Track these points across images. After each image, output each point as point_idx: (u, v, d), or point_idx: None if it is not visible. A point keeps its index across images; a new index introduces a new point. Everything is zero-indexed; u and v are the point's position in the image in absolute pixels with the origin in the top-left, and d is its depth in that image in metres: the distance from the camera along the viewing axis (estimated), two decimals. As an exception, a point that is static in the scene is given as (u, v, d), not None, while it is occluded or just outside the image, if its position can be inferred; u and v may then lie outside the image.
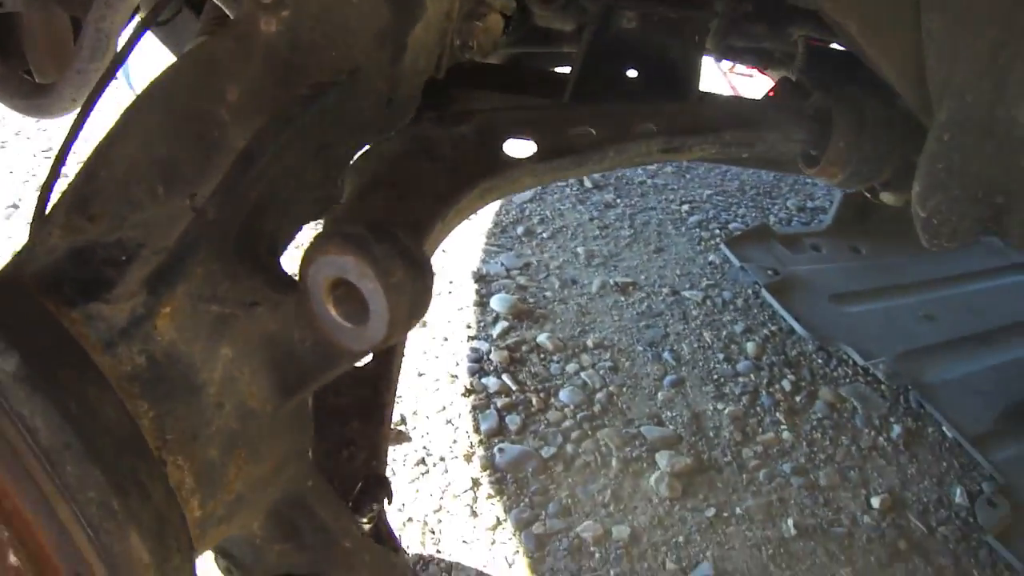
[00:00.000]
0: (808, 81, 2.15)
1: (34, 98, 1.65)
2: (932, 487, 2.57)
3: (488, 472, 2.40)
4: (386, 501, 1.06)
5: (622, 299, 3.27)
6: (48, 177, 1.13)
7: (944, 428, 2.75)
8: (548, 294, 3.24)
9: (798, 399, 2.84)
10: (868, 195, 1.91)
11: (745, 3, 1.95)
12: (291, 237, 0.89)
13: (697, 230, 3.85)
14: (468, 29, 0.99)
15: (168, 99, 0.89)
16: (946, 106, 1.39)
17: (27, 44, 1.67)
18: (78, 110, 1.08)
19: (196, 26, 2.01)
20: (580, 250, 3.57)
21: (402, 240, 0.65)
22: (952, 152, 1.41)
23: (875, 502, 2.47)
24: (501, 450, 2.46)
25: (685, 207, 4.04)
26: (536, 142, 1.48)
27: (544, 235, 3.65)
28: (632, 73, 2.02)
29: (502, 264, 3.40)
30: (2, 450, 0.62)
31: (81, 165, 0.86)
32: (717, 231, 3.85)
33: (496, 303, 3.13)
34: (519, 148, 1.44)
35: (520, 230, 3.66)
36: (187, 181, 0.85)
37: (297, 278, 0.72)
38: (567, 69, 1.97)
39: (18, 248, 0.83)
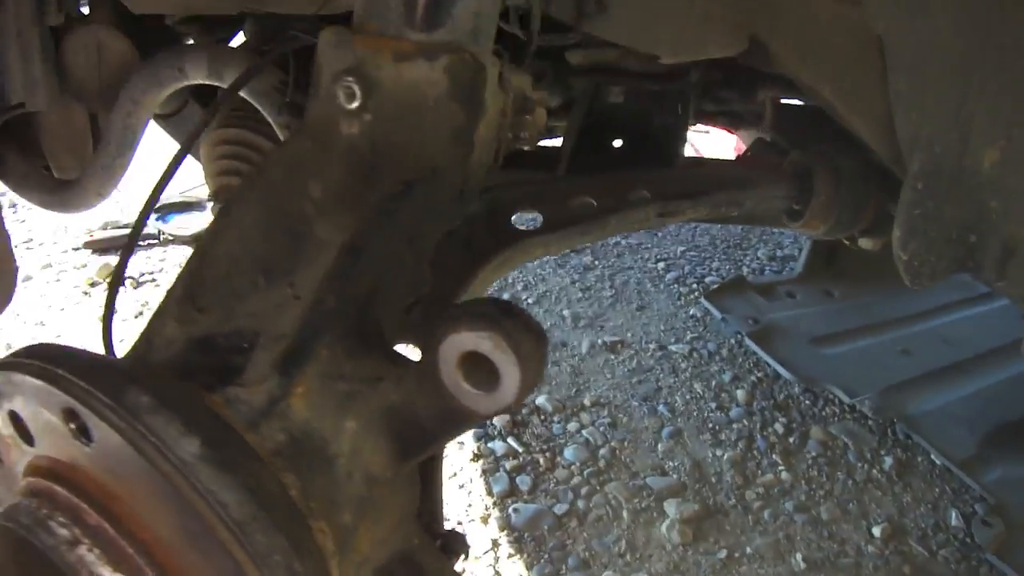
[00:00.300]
0: (781, 139, 2.29)
1: (58, 193, 1.70)
2: (928, 513, 2.69)
3: (506, 532, 2.48)
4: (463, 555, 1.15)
5: (612, 357, 3.39)
6: (111, 285, 1.24)
7: (933, 456, 2.88)
8: (541, 359, 3.34)
9: (791, 440, 2.96)
10: (846, 241, 2.04)
11: (715, 71, 2.09)
12: (394, 319, 1.00)
13: (676, 286, 3.99)
14: (519, 123, 1.10)
15: (259, 198, 0.99)
16: (917, 158, 1.53)
17: (47, 141, 1.71)
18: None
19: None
20: (566, 313, 3.70)
21: (525, 314, 0.76)
22: (927, 199, 1.54)
23: (876, 531, 2.58)
24: (516, 510, 2.55)
25: (661, 264, 4.19)
26: (542, 214, 1.58)
27: (529, 300, 3.77)
28: (618, 143, 2.16)
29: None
30: (195, 524, 0.72)
31: (185, 262, 0.96)
32: (695, 285, 3.99)
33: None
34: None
35: (505, 297, 3.78)
36: (284, 271, 0.94)
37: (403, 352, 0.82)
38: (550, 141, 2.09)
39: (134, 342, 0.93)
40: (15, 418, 0.84)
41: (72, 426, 0.77)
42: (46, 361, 0.78)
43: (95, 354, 0.84)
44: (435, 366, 0.76)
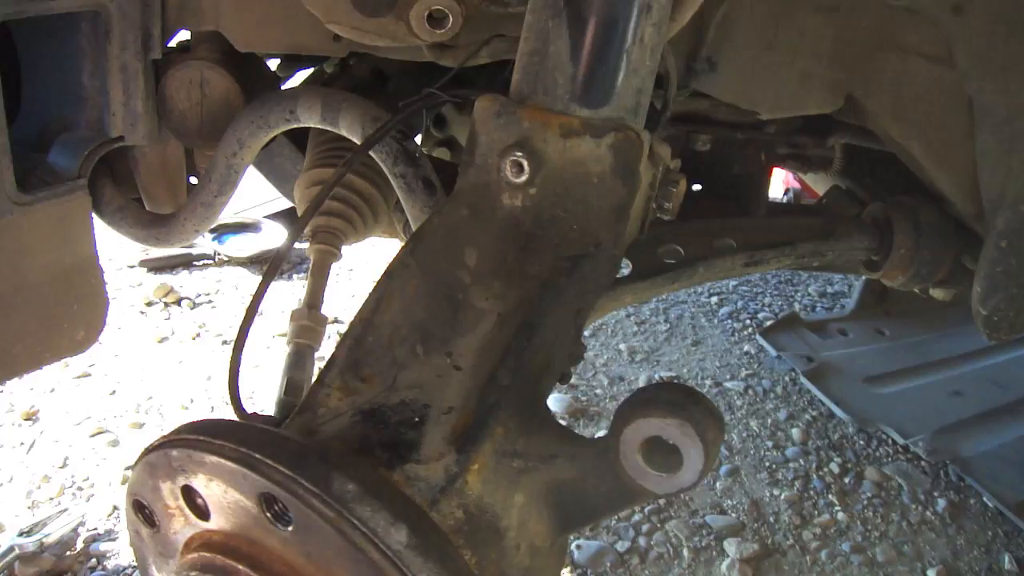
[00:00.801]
0: (852, 184, 2.32)
1: (153, 228, 1.69)
2: (982, 556, 2.70)
3: (569, 568, 2.51)
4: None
5: (668, 393, 3.40)
6: (237, 343, 1.27)
7: (985, 499, 2.90)
8: (599, 391, 3.38)
9: (847, 480, 2.98)
10: (918, 291, 2.06)
11: (796, 119, 2.12)
12: (552, 390, 1.03)
13: (729, 321, 4.03)
14: (664, 194, 1.13)
15: (418, 265, 1.02)
16: (1002, 216, 1.56)
17: (143, 176, 1.70)
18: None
19: (295, 156, 2.14)
20: (622, 347, 3.73)
21: (708, 400, 0.80)
22: (1010, 257, 1.58)
23: (931, 574, 2.59)
24: (579, 547, 2.57)
25: (714, 299, 4.22)
26: (631, 262, 1.61)
27: (586, 333, 3.79)
28: (697, 187, 2.19)
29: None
30: None
31: (347, 331, 1.00)
32: (748, 321, 4.02)
33: (552, 403, 3.26)
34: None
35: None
36: (441, 340, 0.97)
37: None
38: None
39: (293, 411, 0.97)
40: (189, 492, 0.87)
41: (268, 511, 0.80)
42: (239, 443, 0.80)
43: (287, 435, 0.87)
44: (615, 447, 0.80)
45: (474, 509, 0.86)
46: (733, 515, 2.77)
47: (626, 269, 1.58)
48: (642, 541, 2.62)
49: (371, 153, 1.45)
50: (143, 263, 4.36)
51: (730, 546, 2.62)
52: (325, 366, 0.98)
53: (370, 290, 1.02)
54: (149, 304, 4.01)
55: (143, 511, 0.93)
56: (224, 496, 0.82)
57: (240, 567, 0.84)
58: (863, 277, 3.85)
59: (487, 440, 0.87)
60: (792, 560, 2.62)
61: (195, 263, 4.43)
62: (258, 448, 0.79)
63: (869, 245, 1.86)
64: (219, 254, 4.48)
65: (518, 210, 1.05)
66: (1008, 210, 1.55)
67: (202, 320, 3.88)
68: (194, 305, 4.03)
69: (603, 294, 1.12)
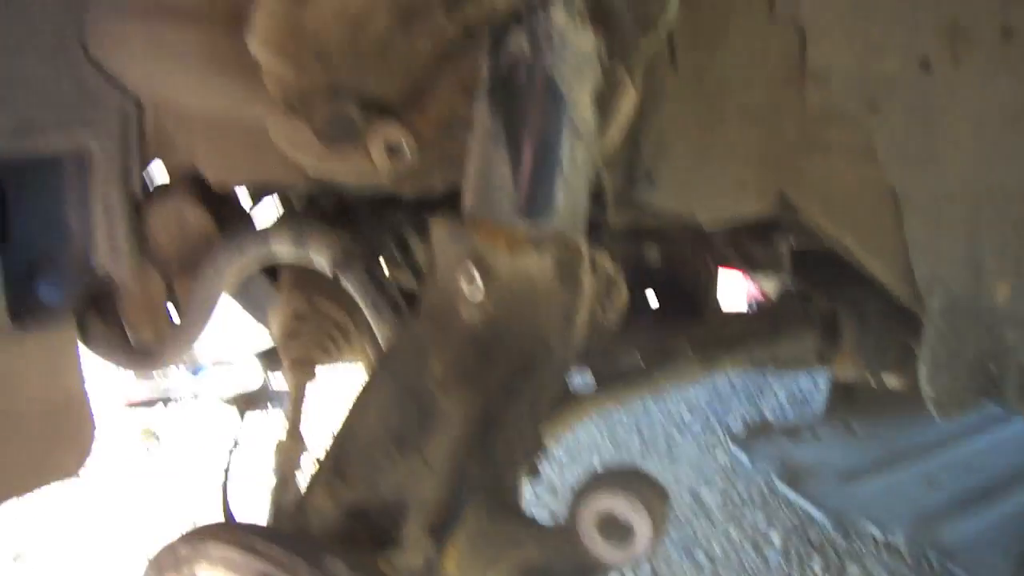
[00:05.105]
0: (800, 282, 2.42)
1: (136, 356, 1.71)
2: (972, 642, 2.72)
3: None
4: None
5: (647, 507, 3.44)
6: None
7: (970, 584, 2.93)
8: (579, 513, 3.40)
9: (830, 580, 3.01)
10: (871, 381, 2.13)
11: (739, 223, 2.23)
12: (519, 482, 1.12)
13: (702, 433, 4.09)
14: (608, 303, 1.21)
15: (390, 377, 1.10)
16: (936, 298, 1.64)
17: (127, 308, 1.70)
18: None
19: (268, 288, 2.22)
20: (598, 464, 3.78)
21: (651, 477, 0.89)
22: (948, 336, 1.65)
23: (924, 665, 2.62)
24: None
25: (685, 413, 4.29)
26: (594, 374, 1.69)
27: (564, 458, 3.85)
28: (652, 299, 2.29)
29: (530, 489, 3.58)
30: None
31: (331, 441, 1.08)
32: (720, 432, 4.09)
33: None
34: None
35: (537, 453, 3.84)
36: (414, 443, 1.05)
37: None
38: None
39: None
40: None
41: None
42: (240, 534, 0.87)
43: (280, 527, 0.95)
44: (574, 527, 0.89)
45: None
46: (721, 623, 2.80)
47: (588, 381, 1.66)
48: (634, 654, 2.64)
49: (341, 280, 1.54)
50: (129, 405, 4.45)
51: (721, 656, 2.64)
52: (313, 474, 1.06)
53: (350, 402, 1.11)
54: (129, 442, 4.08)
55: None
56: None
57: None
58: (830, 379, 3.96)
59: (460, 528, 0.95)
60: (785, 662, 2.64)
61: (173, 400, 4.54)
62: (257, 535, 0.87)
63: (818, 339, 1.95)
64: (196, 393, 4.61)
65: (476, 322, 1.12)
66: (941, 292, 1.62)
67: (184, 458, 3.94)
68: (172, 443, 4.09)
69: (557, 392, 1.20)
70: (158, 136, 1.53)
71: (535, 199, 1.13)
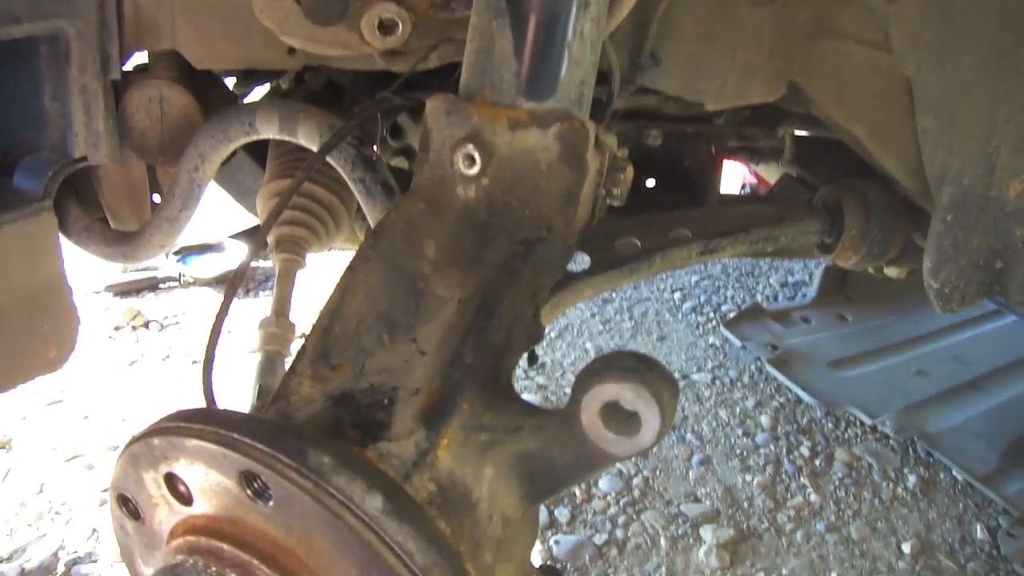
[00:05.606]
0: (803, 172, 2.38)
1: (120, 246, 1.70)
2: (954, 527, 2.76)
3: (548, 563, 2.54)
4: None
5: (637, 388, 3.45)
6: (211, 336, 1.29)
7: (955, 472, 2.97)
8: (568, 391, 3.40)
9: (817, 463, 3.04)
10: (872, 270, 2.11)
11: (742, 110, 2.18)
12: (515, 369, 1.07)
13: (693, 315, 4.08)
14: (613, 180, 1.17)
15: (379, 257, 1.06)
16: (946, 192, 1.61)
17: (107, 194, 1.70)
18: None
19: (255, 170, 2.16)
20: (589, 346, 3.78)
21: (661, 366, 0.83)
22: (956, 230, 1.62)
23: (906, 548, 2.66)
24: (557, 542, 2.61)
25: (677, 295, 4.27)
26: (590, 256, 1.64)
27: (552, 335, 3.84)
28: (651, 182, 2.24)
29: (519, 365, 3.56)
30: (378, 574, 0.78)
31: (315, 323, 1.03)
32: (711, 314, 4.08)
33: (523, 404, 3.28)
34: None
35: (527, 332, 3.83)
36: (405, 327, 1.01)
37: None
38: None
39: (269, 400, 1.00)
40: (171, 479, 0.89)
41: (248, 489, 0.83)
42: (218, 426, 0.83)
43: (261, 417, 0.90)
44: (576, 415, 0.84)
45: (446, 482, 0.89)
46: (707, 503, 2.82)
47: (584, 263, 1.62)
48: (619, 533, 2.66)
49: (330, 160, 1.48)
50: (109, 288, 4.33)
51: (706, 533, 2.67)
52: (296, 357, 1.01)
53: (335, 284, 1.05)
54: (117, 329, 3.99)
55: (127, 505, 0.96)
56: (206, 479, 0.85)
57: (224, 546, 0.86)
58: (823, 265, 3.93)
59: (454, 416, 0.90)
60: (768, 543, 2.67)
61: (161, 286, 4.42)
62: (236, 429, 0.83)
63: (821, 228, 1.91)
64: (184, 276, 4.47)
65: (472, 200, 1.10)
66: (951, 185, 1.60)
67: (171, 342, 3.88)
68: (162, 327, 4.02)
69: (557, 276, 1.16)
70: (137, 18, 1.47)
71: (539, 76, 1.09)
